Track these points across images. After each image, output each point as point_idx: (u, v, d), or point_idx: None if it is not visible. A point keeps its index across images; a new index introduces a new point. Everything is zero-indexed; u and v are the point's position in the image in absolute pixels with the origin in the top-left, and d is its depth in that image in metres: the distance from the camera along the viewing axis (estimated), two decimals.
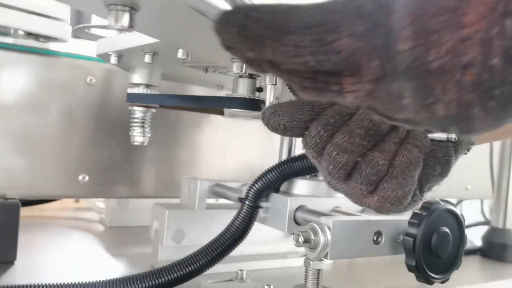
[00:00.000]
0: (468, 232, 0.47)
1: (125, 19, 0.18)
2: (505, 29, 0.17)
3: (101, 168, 0.65)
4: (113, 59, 0.44)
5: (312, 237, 0.36)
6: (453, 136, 0.34)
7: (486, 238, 0.85)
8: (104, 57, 0.48)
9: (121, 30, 0.19)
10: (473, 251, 0.84)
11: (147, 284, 0.45)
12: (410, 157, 0.32)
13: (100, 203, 0.90)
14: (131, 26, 0.19)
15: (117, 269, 0.60)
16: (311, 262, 0.36)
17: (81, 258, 0.63)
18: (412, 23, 0.18)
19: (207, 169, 0.75)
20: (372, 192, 0.32)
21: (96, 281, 0.45)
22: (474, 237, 0.92)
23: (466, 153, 0.38)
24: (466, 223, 1.10)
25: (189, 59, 0.32)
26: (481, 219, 1.13)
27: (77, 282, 0.44)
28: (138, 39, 0.37)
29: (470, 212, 1.23)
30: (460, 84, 0.19)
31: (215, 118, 0.74)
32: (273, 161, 0.50)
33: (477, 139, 0.35)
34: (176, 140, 0.72)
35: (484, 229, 0.89)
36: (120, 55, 0.44)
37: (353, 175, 0.32)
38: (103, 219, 0.83)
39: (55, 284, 0.42)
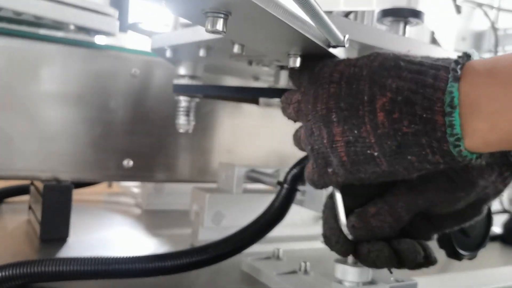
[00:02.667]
0: None
1: (219, 24, 0.22)
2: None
3: (143, 154, 0.69)
4: (169, 53, 0.48)
5: None
6: None
7: (507, 225, 0.88)
8: (158, 51, 0.52)
9: (216, 33, 0.23)
10: (493, 238, 0.87)
11: (195, 258, 0.49)
12: None
13: (134, 188, 0.95)
14: (224, 31, 0.23)
15: (160, 246, 0.65)
16: None
17: (125, 236, 0.68)
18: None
19: (238, 156, 0.79)
20: None
21: (147, 255, 0.49)
22: (494, 224, 0.95)
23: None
24: None
25: (243, 53, 0.36)
26: (500, 208, 1.14)
27: (132, 256, 0.48)
28: (196, 35, 0.41)
29: None
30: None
31: (246, 107, 0.78)
32: None
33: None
34: (211, 129, 0.76)
35: (503, 217, 0.92)
36: (175, 49, 0.48)
37: None
38: (140, 202, 0.88)
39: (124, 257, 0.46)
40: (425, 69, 0.32)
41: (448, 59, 0.33)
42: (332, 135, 0.35)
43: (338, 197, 0.39)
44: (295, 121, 0.41)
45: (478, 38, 1.00)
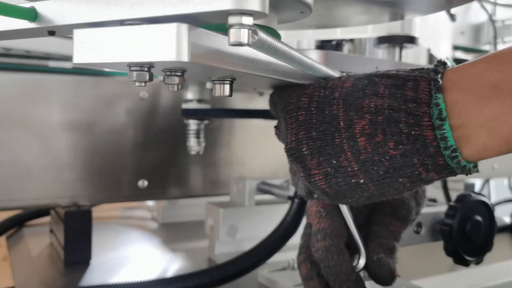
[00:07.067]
0: (497, 209, 0.51)
1: (226, 89, 0.24)
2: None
3: (157, 173, 0.72)
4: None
5: None
6: None
7: None
8: None
9: (223, 96, 0.25)
10: (501, 229, 0.87)
11: (215, 277, 0.52)
12: None
13: (149, 202, 0.98)
14: (230, 95, 0.25)
15: (180, 262, 0.67)
16: None
17: (146, 254, 0.70)
18: None
19: (247, 167, 0.81)
20: None
21: (171, 277, 0.51)
22: (504, 213, 0.96)
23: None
24: (495, 200, 1.12)
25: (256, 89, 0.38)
26: (510, 195, 1.15)
27: (159, 279, 0.51)
28: None
29: (498, 188, 1.26)
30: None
31: (252, 120, 0.80)
32: None
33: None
34: (219, 143, 0.78)
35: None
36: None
37: None
38: (155, 216, 0.91)
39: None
40: (402, 82, 0.29)
41: (422, 69, 0.31)
42: (307, 169, 0.33)
43: (345, 211, 0.39)
44: None
45: (476, 31, 1.01)
